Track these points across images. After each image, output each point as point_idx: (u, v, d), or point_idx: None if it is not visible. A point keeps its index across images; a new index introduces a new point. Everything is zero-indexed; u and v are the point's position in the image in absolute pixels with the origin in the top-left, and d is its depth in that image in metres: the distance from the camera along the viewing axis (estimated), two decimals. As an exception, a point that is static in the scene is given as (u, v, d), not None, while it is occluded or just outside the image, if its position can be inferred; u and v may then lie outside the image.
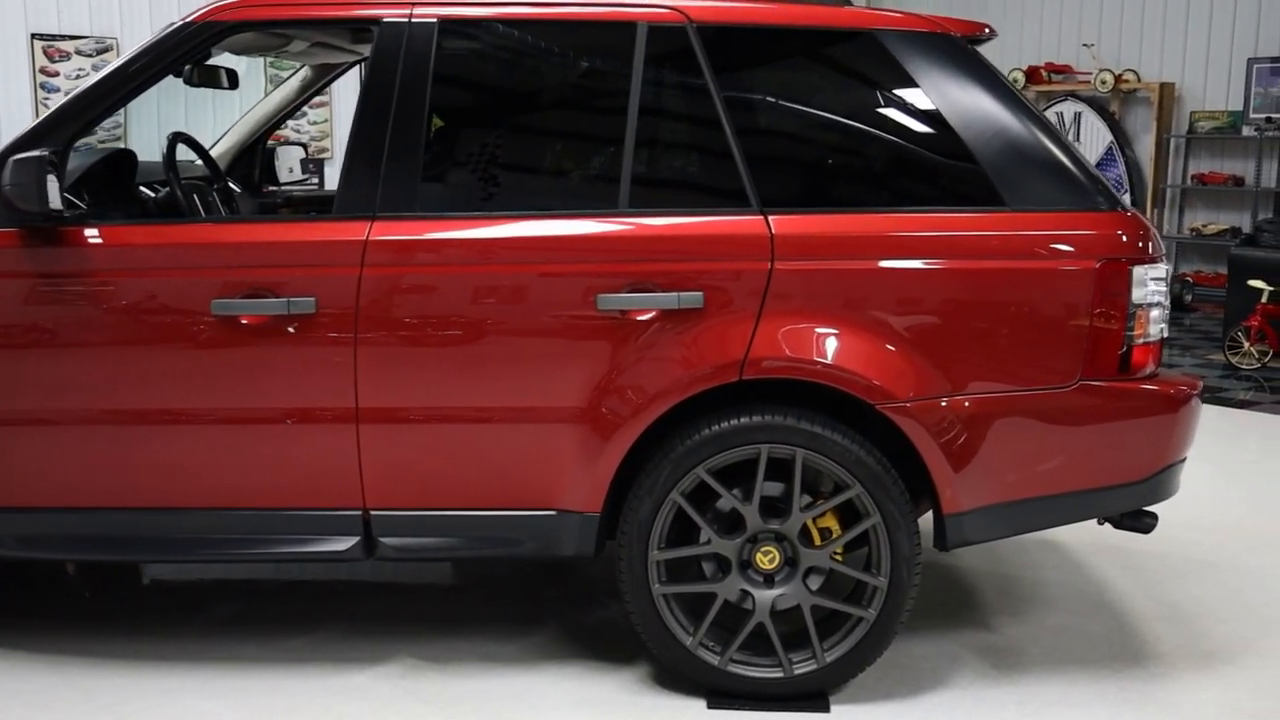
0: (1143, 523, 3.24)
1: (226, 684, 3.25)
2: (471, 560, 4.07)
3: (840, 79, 3.21)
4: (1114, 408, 3.06)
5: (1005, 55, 11.96)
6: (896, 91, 3.11)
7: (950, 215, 3.03)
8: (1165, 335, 3.17)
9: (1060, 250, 3.00)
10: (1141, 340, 3.05)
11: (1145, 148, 11.27)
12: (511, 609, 3.77)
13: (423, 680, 3.28)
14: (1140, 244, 3.04)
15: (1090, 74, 11.35)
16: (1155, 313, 3.08)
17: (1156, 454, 3.13)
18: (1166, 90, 11.05)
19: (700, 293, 2.98)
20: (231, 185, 4.41)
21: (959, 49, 3.13)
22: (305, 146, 5.04)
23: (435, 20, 3.11)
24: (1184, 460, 3.23)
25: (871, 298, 2.98)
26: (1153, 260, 3.06)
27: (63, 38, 8.78)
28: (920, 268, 2.99)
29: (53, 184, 2.90)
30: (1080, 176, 3.07)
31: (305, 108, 9.93)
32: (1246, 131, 10.61)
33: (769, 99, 3.16)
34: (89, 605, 3.81)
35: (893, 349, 2.98)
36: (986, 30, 3.29)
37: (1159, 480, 3.15)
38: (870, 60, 3.13)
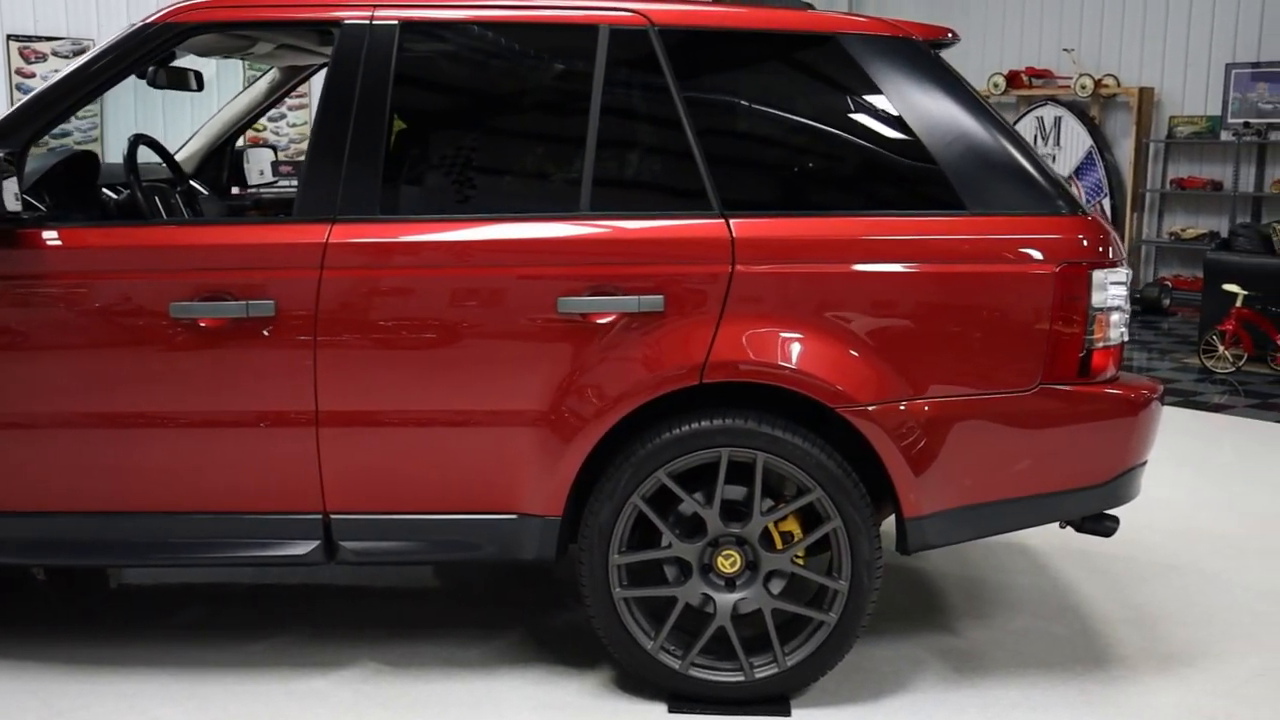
0: (1104, 526, 3.25)
1: (186, 689, 3.23)
2: (433, 564, 4.06)
3: (802, 83, 3.21)
4: (1074, 411, 3.06)
5: (986, 60, 12.00)
6: (858, 95, 3.11)
7: (911, 219, 3.03)
8: (1126, 339, 3.18)
9: (1020, 254, 3.00)
10: (1101, 344, 3.05)
11: (1125, 152, 11.31)
12: (477, 613, 3.76)
13: (383, 685, 3.27)
14: (1100, 248, 3.04)
15: (1070, 79, 11.39)
16: (1115, 317, 3.09)
17: (1117, 457, 3.14)
18: (1146, 95, 11.10)
19: (661, 296, 2.97)
20: (196, 187, 4.39)
21: (921, 53, 3.14)
22: (275, 149, 5.02)
23: (397, 22, 3.10)
24: (1145, 464, 3.24)
25: (832, 301, 2.98)
26: (1113, 264, 3.06)
27: (39, 39, 8.74)
28: (881, 271, 2.99)
29: (9, 185, 2.89)
30: (1041, 181, 3.07)
31: (285, 109, 9.96)
32: (1225, 136, 10.65)
33: (731, 102, 3.16)
34: (49, 611, 3.78)
35: (853, 353, 2.98)
36: (950, 35, 3.29)
37: (1119, 483, 3.16)
38: (832, 64, 3.13)
